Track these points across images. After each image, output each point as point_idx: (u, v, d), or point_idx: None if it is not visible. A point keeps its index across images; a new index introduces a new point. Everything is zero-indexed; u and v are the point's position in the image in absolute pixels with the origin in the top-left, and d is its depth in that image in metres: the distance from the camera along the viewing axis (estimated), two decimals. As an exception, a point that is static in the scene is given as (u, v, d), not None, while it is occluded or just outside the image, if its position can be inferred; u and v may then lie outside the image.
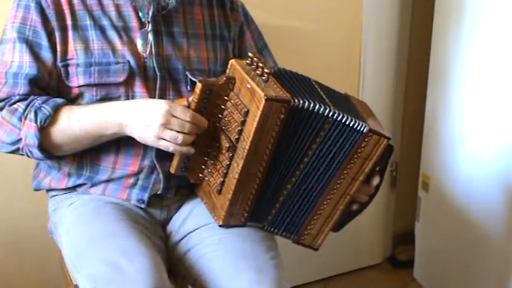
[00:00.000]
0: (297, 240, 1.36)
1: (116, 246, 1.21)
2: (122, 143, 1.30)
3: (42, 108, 1.24)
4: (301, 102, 1.17)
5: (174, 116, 1.19)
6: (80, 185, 1.36)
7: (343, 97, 1.30)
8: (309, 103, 1.18)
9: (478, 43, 1.80)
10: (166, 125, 1.19)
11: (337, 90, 1.29)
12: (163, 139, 1.21)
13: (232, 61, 1.23)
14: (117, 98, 1.29)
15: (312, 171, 1.25)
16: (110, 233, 1.25)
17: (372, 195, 1.35)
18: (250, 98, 1.16)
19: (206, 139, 1.25)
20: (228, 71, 1.24)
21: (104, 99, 1.29)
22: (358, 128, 1.21)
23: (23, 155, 1.29)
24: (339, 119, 1.20)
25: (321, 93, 1.24)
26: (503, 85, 1.73)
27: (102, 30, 1.30)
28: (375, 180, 1.32)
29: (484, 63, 1.79)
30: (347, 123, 1.20)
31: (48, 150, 1.27)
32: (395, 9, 2.07)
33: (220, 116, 1.24)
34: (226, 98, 1.22)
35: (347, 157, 1.23)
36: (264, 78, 1.17)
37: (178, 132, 1.20)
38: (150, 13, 1.31)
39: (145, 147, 1.28)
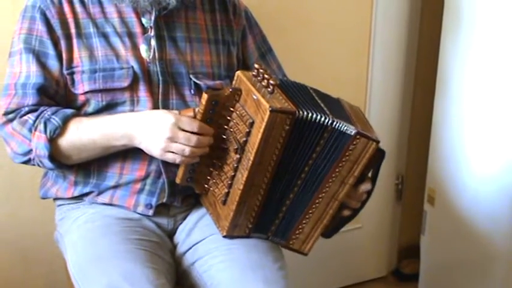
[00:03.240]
0: (285, 244, 1.34)
1: (120, 271, 1.19)
2: (128, 149, 1.29)
3: (52, 120, 1.24)
4: (305, 113, 1.17)
5: (180, 129, 1.20)
6: (86, 194, 1.36)
7: (336, 102, 1.29)
8: (312, 114, 1.17)
9: (486, 59, 1.79)
10: (172, 139, 1.19)
11: (329, 95, 1.28)
12: (170, 152, 1.21)
13: (238, 72, 1.23)
14: (122, 103, 1.30)
15: (311, 180, 1.24)
16: (115, 255, 1.23)
17: (363, 202, 1.33)
18: (256, 109, 1.16)
19: (212, 150, 1.25)
20: (234, 82, 1.24)
21: (110, 104, 1.30)
22: (347, 131, 1.19)
23: (34, 165, 1.30)
24: (336, 126, 1.19)
25: (319, 101, 1.23)
26: (508, 103, 1.73)
27: (105, 37, 1.31)
28: (366, 186, 1.30)
29: (491, 80, 1.78)
30: (340, 128, 1.19)
31: (59, 160, 1.28)
32: (403, 22, 2.08)
33: (226, 127, 1.23)
34: (232, 109, 1.22)
35: (335, 160, 1.22)
36: (269, 89, 1.17)
37: (185, 145, 1.20)
38: (153, 18, 1.32)
39: None
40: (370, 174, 1.30)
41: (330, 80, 1.85)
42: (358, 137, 1.19)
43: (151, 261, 1.24)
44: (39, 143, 1.24)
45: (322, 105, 1.22)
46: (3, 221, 1.71)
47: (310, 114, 1.17)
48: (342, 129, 1.19)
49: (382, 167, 2.22)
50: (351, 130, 1.19)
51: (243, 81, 1.21)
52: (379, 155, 1.26)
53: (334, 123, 1.18)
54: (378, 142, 1.21)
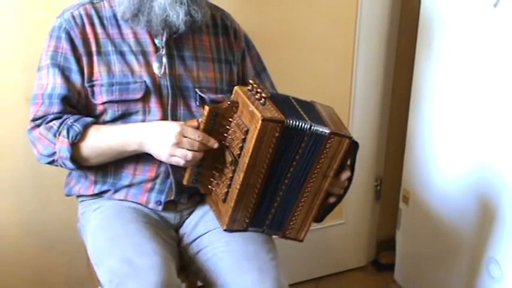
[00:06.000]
0: (283, 235, 1.35)
1: (132, 245, 1.22)
2: (141, 153, 1.30)
3: (74, 126, 1.26)
4: (291, 121, 1.18)
5: (185, 137, 1.22)
6: (105, 192, 1.37)
7: (311, 106, 1.29)
8: (298, 122, 1.19)
9: (452, 79, 1.80)
10: (178, 145, 1.22)
11: (305, 100, 1.29)
12: (175, 156, 1.23)
13: (236, 88, 1.25)
14: (136, 113, 1.32)
15: (295, 177, 1.26)
16: (127, 233, 1.26)
17: (346, 188, 1.33)
18: (250, 118, 1.18)
19: (214, 155, 1.26)
20: (232, 96, 1.25)
21: (124, 113, 1.32)
22: (322, 133, 1.21)
23: (57, 166, 1.32)
24: (314, 130, 1.20)
25: (299, 109, 1.24)
26: (472, 114, 1.73)
27: (122, 55, 1.32)
28: (346, 174, 1.31)
29: (457, 96, 1.78)
30: (317, 132, 1.21)
31: (79, 161, 1.30)
32: (382, 43, 2.06)
33: (225, 134, 1.25)
34: (230, 119, 1.24)
35: (316, 159, 1.23)
36: (262, 101, 1.19)
37: (188, 150, 1.22)
38: (164, 39, 1.33)
39: None
40: (348, 163, 1.31)
41: (318, 93, 1.81)
42: (332, 136, 1.21)
43: (159, 235, 1.28)
44: (62, 147, 1.26)
45: (301, 112, 1.23)
46: (33, 216, 1.71)
47: (296, 122, 1.19)
48: (318, 132, 1.20)
49: (363, 171, 2.23)
50: (325, 131, 1.20)
51: (240, 95, 1.23)
52: (353, 147, 1.26)
53: (312, 127, 1.20)
54: (350, 138, 1.22)
